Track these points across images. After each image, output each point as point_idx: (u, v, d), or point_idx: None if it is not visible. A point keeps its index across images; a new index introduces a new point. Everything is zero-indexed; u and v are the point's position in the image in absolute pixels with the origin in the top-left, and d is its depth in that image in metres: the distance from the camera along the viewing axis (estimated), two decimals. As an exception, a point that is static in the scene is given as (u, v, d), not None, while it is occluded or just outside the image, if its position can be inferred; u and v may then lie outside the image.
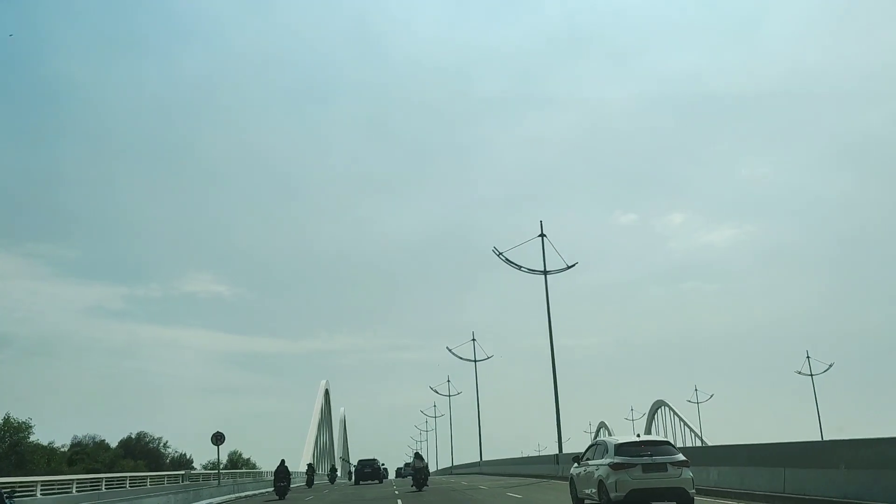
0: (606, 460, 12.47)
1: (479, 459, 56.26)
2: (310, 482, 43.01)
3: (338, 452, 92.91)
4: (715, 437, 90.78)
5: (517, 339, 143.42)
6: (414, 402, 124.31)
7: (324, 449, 76.68)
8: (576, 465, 14.51)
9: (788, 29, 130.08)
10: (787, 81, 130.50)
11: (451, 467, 73.77)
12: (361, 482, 44.92)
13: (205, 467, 60.71)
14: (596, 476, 12.78)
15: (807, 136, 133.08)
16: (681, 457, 12.30)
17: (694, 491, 12.04)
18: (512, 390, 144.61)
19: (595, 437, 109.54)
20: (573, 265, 34.42)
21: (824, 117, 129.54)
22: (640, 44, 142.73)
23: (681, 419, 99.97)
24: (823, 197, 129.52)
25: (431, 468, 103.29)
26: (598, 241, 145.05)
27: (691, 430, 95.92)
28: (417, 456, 30.57)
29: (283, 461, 31.11)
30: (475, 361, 55.14)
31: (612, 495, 11.92)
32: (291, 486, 33.37)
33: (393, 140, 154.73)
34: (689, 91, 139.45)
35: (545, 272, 33.78)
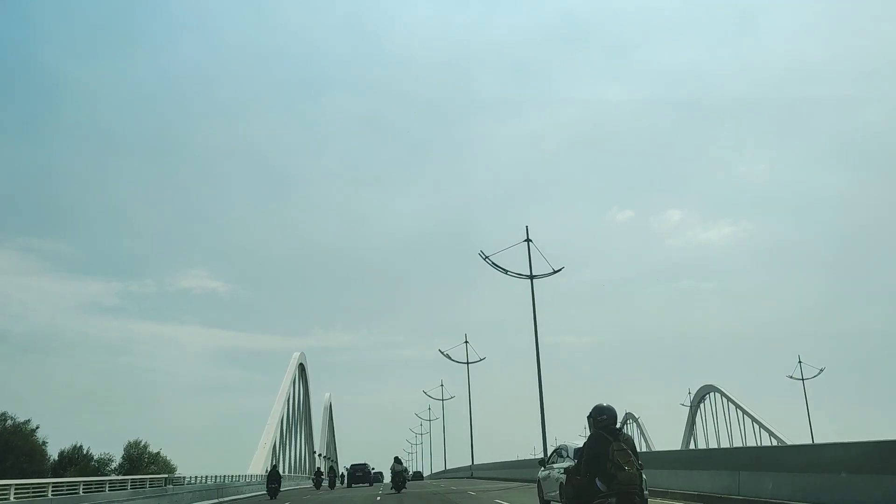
0: (566, 464, 13.13)
1: (471, 463, 54.50)
2: (332, 483, 45.19)
3: (319, 448, 75.04)
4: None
5: (516, 336, 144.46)
6: (411, 399, 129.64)
7: (298, 444, 58.94)
8: (542, 468, 15.33)
9: (786, 25, 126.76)
10: (784, 77, 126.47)
11: (444, 471, 71.78)
12: (353, 485, 47.42)
13: (84, 471, 43.43)
14: (557, 479, 13.46)
15: (805, 132, 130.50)
16: None
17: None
18: (510, 389, 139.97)
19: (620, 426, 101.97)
20: (559, 270, 33.37)
21: (822, 114, 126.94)
22: (637, 39, 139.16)
23: (737, 406, 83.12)
24: (821, 194, 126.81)
25: (426, 472, 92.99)
26: (595, 238, 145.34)
27: (753, 419, 78.42)
28: (396, 460, 31.99)
29: (274, 466, 35.14)
30: (468, 364, 51.88)
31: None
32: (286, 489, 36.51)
33: (388, 136, 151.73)
34: (687, 87, 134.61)
35: (531, 276, 33.08)
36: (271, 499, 30.29)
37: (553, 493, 14.00)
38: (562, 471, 12.99)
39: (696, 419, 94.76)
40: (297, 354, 56.56)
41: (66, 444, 51.04)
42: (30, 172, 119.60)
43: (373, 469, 53.40)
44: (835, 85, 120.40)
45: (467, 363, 52.05)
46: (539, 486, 15.37)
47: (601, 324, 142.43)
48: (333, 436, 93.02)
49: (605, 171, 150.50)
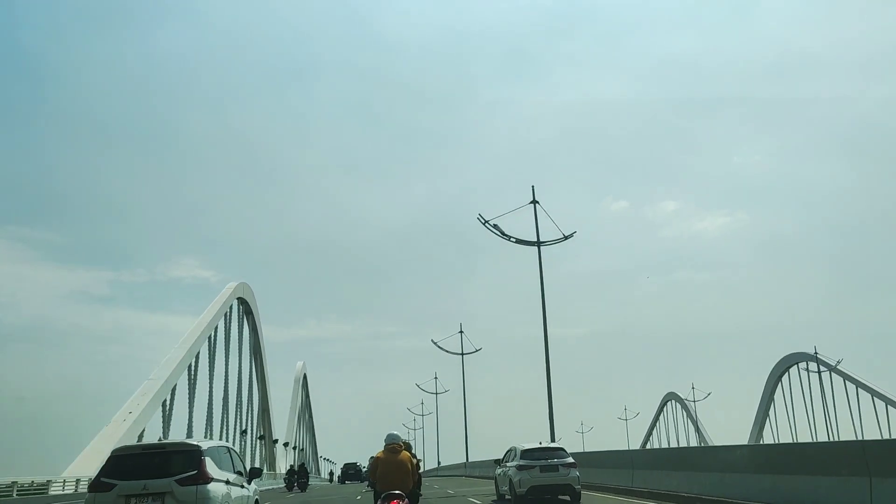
0: (515, 463, 16.13)
1: (465, 461, 52.12)
2: (302, 485, 38.98)
3: (287, 437, 54.27)
4: None
5: (511, 327, 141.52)
6: (406, 391, 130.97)
7: (234, 425, 38.48)
8: (498, 467, 18.33)
9: (783, 12, 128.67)
10: (780, 67, 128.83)
11: (437, 468, 68.20)
12: (346, 481, 56.08)
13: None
14: (507, 476, 16.59)
15: (801, 123, 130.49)
16: (570, 459, 15.86)
17: (580, 486, 15.56)
18: (506, 383, 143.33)
19: (657, 412, 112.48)
20: (570, 235, 28.91)
21: (819, 103, 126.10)
22: (632, 28, 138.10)
23: (846, 379, 63.02)
24: (817, 184, 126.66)
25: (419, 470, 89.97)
26: (589, 228, 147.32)
27: (874, 395, 58.01)
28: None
29: (293, 464, 40.54)
30: (462, 355, 49.68)
31: (517, 491, 15.63)
32: None
33: (380, 123, 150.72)
34: (683, 76, 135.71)
35: (538, 243, 28.28)
36: (289, 492, 35.81)
37: (505, 489, 17.05)
38: (510, 469, 16.18)
39: (776, 400, 74.38)
40: (233, 284, 35.63)
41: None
42: (18, 160, 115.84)
43: (363, 468, 57.40)
44: (831, 75, 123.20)
45: (461, 354, 50.04)
46: (496, 482, 18.83)
47: (594, 314, 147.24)
48: (312, 421, 72.22)
49: (599, 160, 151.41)
